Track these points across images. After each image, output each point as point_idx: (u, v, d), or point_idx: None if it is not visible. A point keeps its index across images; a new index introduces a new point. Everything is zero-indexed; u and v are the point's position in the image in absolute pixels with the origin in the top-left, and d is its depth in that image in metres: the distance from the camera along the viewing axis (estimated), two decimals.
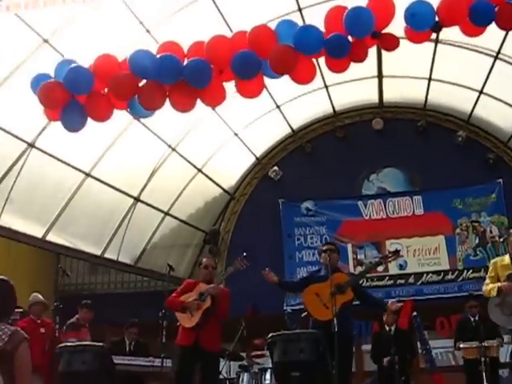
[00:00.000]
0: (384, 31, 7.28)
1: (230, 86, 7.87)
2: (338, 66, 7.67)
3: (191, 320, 7.86)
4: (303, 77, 7.71)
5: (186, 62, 7.45)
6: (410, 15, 7.05)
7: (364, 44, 7.36)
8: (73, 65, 7.49)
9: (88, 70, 7.43)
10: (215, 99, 8.02)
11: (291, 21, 7.74)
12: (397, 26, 7.25)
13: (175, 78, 7.37)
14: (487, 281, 8.16)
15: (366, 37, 7.27)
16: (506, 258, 8.08)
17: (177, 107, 7.71)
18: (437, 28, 7.20)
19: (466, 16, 6.94)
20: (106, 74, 7.40)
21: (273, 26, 7.56)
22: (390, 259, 9.14)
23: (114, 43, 8.94)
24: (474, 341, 9.80)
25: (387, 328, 10.88)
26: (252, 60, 7.30)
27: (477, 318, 10.60)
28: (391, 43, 7.35)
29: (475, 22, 7.00)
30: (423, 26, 7.17)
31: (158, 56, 7.37)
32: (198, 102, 7.70)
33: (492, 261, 8.59)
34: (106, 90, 7.58)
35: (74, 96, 7.42)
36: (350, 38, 7.25)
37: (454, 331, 11.34)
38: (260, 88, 7.98)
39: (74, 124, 7.67)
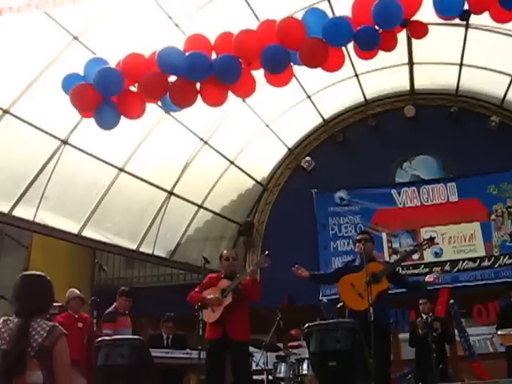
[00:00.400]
0: (413, 19, 7.24)
1: (260, 76, 7.91)
2: (367, 55, 7.64)
3: (213, 315, 7.99)
4: (333, 66, 7.69)
5: (214, 57, 7.45)
6: (439, 1, 7.01)
7: (394, 34, 7.33)
8: (102, 65, 7.54)
9: (117, 70, 7.47)
10: (246, 91, 8.06)
11: (319, 10, 7.66)
12: (426, 12, 7.19)
13: (205, 75, 7.39)
14: None
15: (396, 27, 7.24)
16: None
17: (208, 102, 7.74)
18: (465, 16, 7.12)
19: (496, 1, 6.87)
20: (136, 73, 7.44)
21: (301, 15, 7.54)
22: (424, 247, 9.10)
23: (143, 38, 9.00)
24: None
25: (424, 316, 10.83)
26: (281, 54, 7.29)
27: None
28: (421, 31, 7.30)
29: (505, 6, 6.92)
30: (452, 12, 7.11)
31: (187, 54, 7.36)
32: (229, 93, 7.74)
33: None
34: (136, 86, 7.63)
35: (105, 97, 7.49)
36: (379, 29, 7.22)
37: (493, 318, 11.23)
38: (289, 77, 7.99)
39: (107, 123, 7.75)
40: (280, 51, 7.27)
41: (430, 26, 7.29)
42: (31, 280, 4.41)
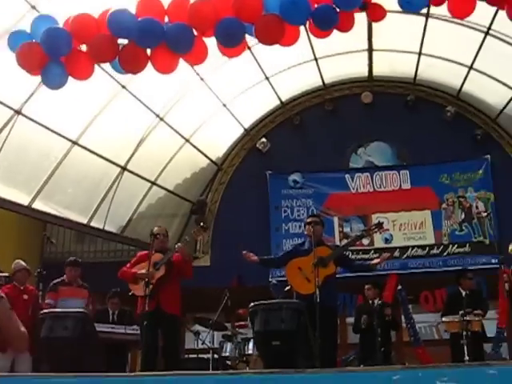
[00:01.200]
0: (373, 1, 7.28)
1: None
2: (323, 34, 7.66)
3: (144, 289, 8.11)
4: (288, 41, 7.68)
5: (167, 25, 7.38)
6: None
7: (351, 15, 7.36)
8: (51, 24, 7.41)
9: (65, 30, 7.34)
10: (197, 59, 8.03)
11: None
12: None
13: (156, 42, 7.33)
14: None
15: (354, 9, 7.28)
16: None
17: (158, 69, 7.71)
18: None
19: None
20: (85, 33, 7.35)
21: None
22: (372, 232, 9.20)
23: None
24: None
25: (370, 301, 10.96)
26: (236, 28, 7.27)
27: (468, 292, 10.65)
28: (379, 14, 7.37)
29: None
30: None
31: (139, 19, 7.28)
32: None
33: None
34: (84, 47, 7.51)
35: (53, 57, 7.37)
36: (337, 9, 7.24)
37: (439, 305, 11.38)
38: (242, 49, 7.97)
39: (54, 83, 7.64)
40: (235, 24, 7.24)
41: (390, 14, 7.36)
42: None
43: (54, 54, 7.34)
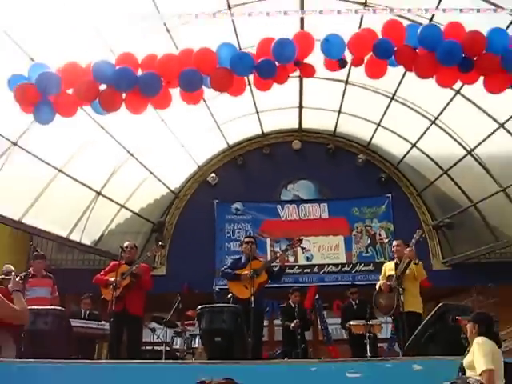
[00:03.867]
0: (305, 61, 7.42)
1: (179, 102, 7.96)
2: (264, 87, 7.76)
3: (111, 293, 8.14)
4: (236, 91, 7.77)
5: (139, 73, 7.43)
6: (325, 40, 7.21)
7: (287, 69, 7.47)
8: (44, 69, 7.41)
9: (57, 74, 7.32)
10: (163, 104, 8.03)
11: (230, 45, 7.70)
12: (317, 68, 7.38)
13: (130, 87, 7.37)
14: (380, 279, 8.59)
15: (289, 63, 7.39)
16: (392, 263, 8.45)
17: (130, 110, 7.71)
18: (343, 64, 7.34)
19: (371, 50, 7.12)
20: (72, 78, 7.32)
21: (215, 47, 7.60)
22: (295, 246, 9.28)
23: (81, 50, 8.70)
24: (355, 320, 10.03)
25: (292, 305, 11.08)
26: (196, 77, 7.33)
27: (357, 302, 10.92)
28: (309, 71, 7.47)
29: (378, 56, 7.17)
30: (335, 55, 7.32)
31: (117, 67, 7.33)
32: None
33: (384, 264, 8.95)
34: (71, 90, 7.53)
35: (44, 96, 7.36)
36: (276, 63, 7.36)
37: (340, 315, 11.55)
38: (200, 97, 8.03)
39: (44, 119, 7.60)
40: (195, 75, 7.32)
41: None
42: None
43: (45, 93, 7.31)
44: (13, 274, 5.06)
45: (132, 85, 7.34)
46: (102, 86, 7.50)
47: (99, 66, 7.32)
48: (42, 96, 7.36)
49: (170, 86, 7.61)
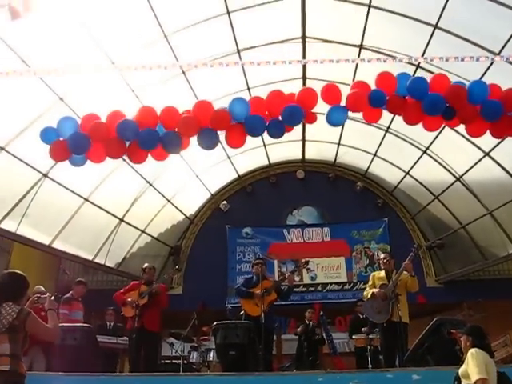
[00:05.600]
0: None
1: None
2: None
3: (132, 311, 8.18)
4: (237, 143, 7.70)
5: (162, 132, 7.35)
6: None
7: (292, 127, 7.48)
8: (71, 124, 7.39)
9: (86, 136, 7.27)
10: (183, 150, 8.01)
11: (242, 100, 7.49)
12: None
13: (153, 146, 7.34)
14: (367, 288, 8.16)
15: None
16: (382, 272, 8.17)
17: (155, 159, 7.69)
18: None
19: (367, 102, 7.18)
20: (99, 136, 7.28)
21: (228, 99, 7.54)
22: (302, 267, 9.25)
23: (107, 103, 8.79)
24: (363, 333, 9.81)
25: (307, 322, 11.04)
26: (212, 136, 7.31)
27: (364, 316, 10.70)
28: (312, 119, 7.49)
29: (373, 105, 7.23)
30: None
31: (141, 130, 7.25)
32: None
33: (371, 274, 8.57)
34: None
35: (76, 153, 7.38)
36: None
37: (348, 326, 11.41)
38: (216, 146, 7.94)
39: (76, 164, 7.61)
40: (212, 134, 7.29)
41: (318, 115, 7.50)
42: (6, 276, 4.52)
43: (76, 152, 7.33)
44: (48, 294, 5.02)
45: (155, 143, 7.31)
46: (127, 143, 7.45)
47: (123, 125, 7.25)
48: (73, 153, 7.38)
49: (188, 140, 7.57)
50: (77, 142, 7.28)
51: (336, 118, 7.38)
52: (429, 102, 7.00)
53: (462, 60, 6.44)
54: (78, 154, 7.35)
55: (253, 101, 7.43)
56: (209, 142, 7.40)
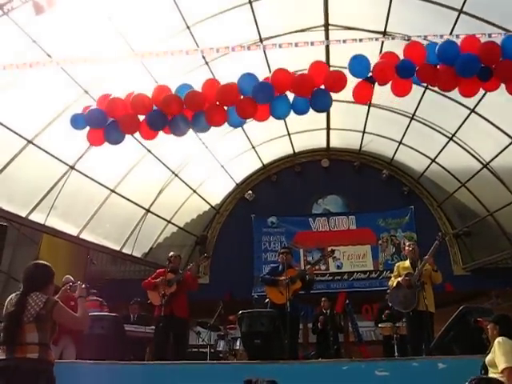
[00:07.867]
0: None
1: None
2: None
3: (160, 299, 8.11)
4: (261, 117, 7.33)
5: (172, 117, 7.22)
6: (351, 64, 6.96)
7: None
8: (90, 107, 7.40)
9: (103, 111, 7.23)
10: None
11: (252, 75, 7.18)
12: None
13: (161, 127, 7.30)
14: (392, 278, 8.12)
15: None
16: (407, 262, 8.08)
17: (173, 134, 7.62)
18: (371, 81, 7.13)
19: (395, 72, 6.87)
20: (115, 112, 7.23)
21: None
22: (327, 256, 9.20)
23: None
24: (391, 321, 9.78)
25: (324, 311, 10.99)
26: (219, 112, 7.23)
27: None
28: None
29: (402, 75, 6.91)
30: (361, 75, 7.04)
31: (152, 110, 7.18)
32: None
33: (396, 264, 8.49)
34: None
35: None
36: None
37: (375, 315, 11.35)
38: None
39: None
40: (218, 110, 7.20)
41: (343, 103, 7.34)
42: (32, 267, 4.54)
43: (95, 126, 7.32)
44: (79, 282, 5.08)
45: (163, 125, 7.26)
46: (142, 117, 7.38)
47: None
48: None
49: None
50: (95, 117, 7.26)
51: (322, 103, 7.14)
52: (461, 62, 6.60)
53: (489, 36, 6.21)
54: (96, 127, 7.29)
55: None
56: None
